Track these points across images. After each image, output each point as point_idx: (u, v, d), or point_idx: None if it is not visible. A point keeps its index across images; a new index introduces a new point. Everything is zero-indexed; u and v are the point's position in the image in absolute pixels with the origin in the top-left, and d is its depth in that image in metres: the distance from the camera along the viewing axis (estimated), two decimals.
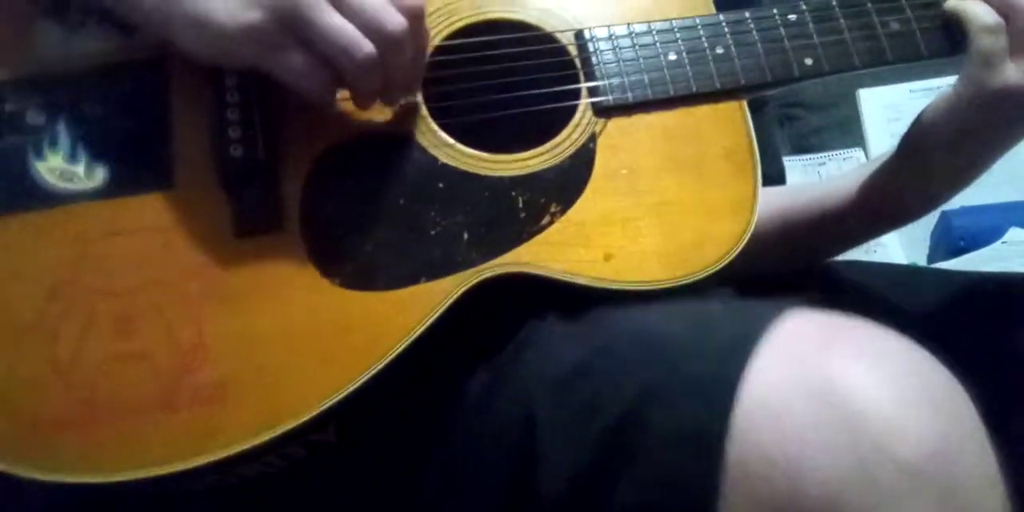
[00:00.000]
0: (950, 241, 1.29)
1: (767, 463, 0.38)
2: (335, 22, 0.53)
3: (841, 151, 1.48)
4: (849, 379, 0.39)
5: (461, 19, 0.62)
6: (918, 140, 0.66)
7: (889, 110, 1.45)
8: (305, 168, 0.58)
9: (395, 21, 0.54)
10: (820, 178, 1.44)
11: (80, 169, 0.57)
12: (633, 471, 0.43)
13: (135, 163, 0.57)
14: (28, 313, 0.53)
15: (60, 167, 0.57)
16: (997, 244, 1.26)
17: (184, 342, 0.53)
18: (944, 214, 1.31)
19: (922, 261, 1.36)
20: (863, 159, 1.48)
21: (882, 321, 0.43)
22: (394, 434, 0.58)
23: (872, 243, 1.31)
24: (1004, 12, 0.61)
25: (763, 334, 0.42)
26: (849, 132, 1.49)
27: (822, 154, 1.49)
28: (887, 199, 0.70)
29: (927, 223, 1.36)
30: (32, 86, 0.58)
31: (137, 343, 0.53)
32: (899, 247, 1.38)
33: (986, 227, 1.28)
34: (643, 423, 0.43)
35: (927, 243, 1.37)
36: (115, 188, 0.56)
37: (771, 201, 0.73)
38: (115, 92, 0.58)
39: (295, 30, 0.53)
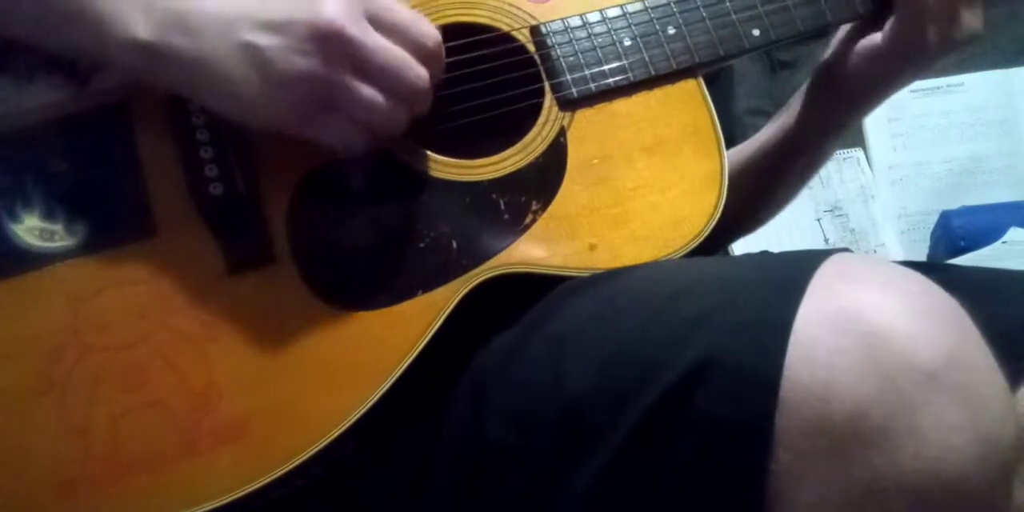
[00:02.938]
0: (950, 241, 1.29)
1: (805, 393, 0.41)
2: (368, 95, 0.52)
3: (841, 151, 1.44)
4: (867, 304, 0.42)
5: None
6: (836, 77, 0.71)
7: (889, 110, 1.41)
8: (287, 196, 0.58)
9: (420, 77, 0.53)
10: (821, 180, 1.42)
11: (59, 227, 0.56)
12: (691, 420, 0.44)
13: (113, 214, 0.56)
14: (32, 378, 0.53)
15: (38, 227, 0.56)
16: (997, 244, 1.26)
17: (196, 385, 0.54)
18: (944, 214, 1.31)
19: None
20: (863, 159, 1.46)
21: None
22: (410, 437, 0.59)
23: (873, 243, 1.35)
24: None
25: (811, 277, 0.44)
26: (849, 132, 1.48)
27: None
28: (814, 125, 0.77)
29: (927, 223, 1.36)
30: None
31: (149, 393, 0.53)
32: (899, 247, 1.38)
33: (986, 227, 1.28)
34: (707, 368, 0.44)
35: (927, 243, 1.37)
36: (98, 242, 0.55)
37: (740, 159, 0.78)
38: (79, 144, 0.57)
39: (330, 104, 0.52)
